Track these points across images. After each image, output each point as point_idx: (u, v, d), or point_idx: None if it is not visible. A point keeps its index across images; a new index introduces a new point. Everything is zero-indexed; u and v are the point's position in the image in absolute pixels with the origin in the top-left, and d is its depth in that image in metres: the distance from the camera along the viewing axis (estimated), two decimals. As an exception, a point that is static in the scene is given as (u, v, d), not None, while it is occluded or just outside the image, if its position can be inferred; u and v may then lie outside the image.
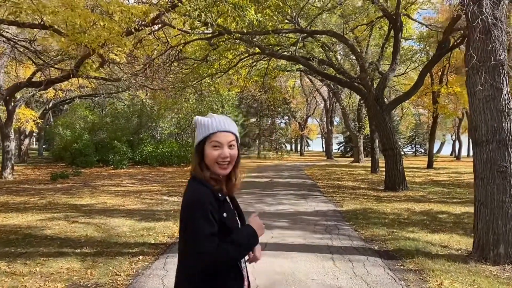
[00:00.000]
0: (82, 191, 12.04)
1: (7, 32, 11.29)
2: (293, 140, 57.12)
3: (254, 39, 12.53)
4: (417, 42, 18.83)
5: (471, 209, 8.15)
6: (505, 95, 5.08)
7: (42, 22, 7.82)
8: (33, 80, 13.90)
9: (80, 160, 21.52)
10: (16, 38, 11.32)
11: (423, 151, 51.43)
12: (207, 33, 11.47)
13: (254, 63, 16.38)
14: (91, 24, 7.18)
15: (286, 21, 13.14)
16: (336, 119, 46.55)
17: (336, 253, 5.47)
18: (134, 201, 10.20)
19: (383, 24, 16.02)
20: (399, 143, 15.73)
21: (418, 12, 18.06)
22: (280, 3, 10.16)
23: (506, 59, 5.11)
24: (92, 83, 16.14)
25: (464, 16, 9.39)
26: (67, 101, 30.20)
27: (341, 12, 14.63)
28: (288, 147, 50.39)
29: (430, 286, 4.30)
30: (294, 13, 12.74)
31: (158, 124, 26.16)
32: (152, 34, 10.72)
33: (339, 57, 20.27)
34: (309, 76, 27.88)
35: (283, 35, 13.70)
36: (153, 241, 6.15)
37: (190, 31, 10.54)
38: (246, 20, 8.77)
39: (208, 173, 1.74)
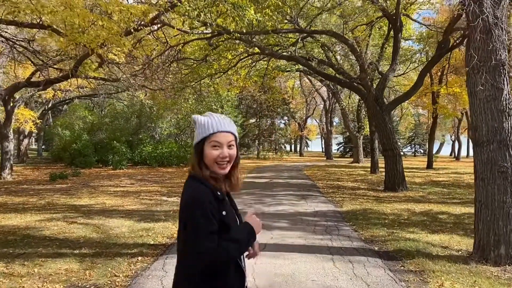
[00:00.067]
0: (81, 192, 12.00)
1: (6, 32, 11.26)
2: (292, 140, 57.11)
3: (254, 39, 12.50)
4: (416, 43, 18.81)
5: (471, 210, 8.13)
6: (506, 95, 5.06)
7: (40, 22, 7.80)
8: (32, 80, 13.88)
9: (79, 161, 21.48)
10: (15, 38, 11.28)
11: (422, 151, 51.42)
12: (207, 33, 11.44)
13: (254, 64, 16.35)
14: (90, 23, 7.16)
15: (286, 21, 13.12)
16: (336, 120, 46.54)
17: (336, 254, 5.44)
18: (133, 202, 10.17)
19: (383, 24, 16.00)
20: (399, 143, 15.68)
21: (418, 13, 18.02)
22: (280, 3, 10.13)
23: (507, 59, 5.09)
24: (91, 83, 16.12)
25: (464, 16, 9.37)
26: (66, 101, 30.17)
27: (340, 12, 14.60)
28: (288, 148, 50.39)
29: (431, 287, 4.27)
30: (293, 13, 12.72)
31: (157, 124, 26.14)
32: (151, 34, 10.70)
33: (338, 57, 20.25)
34: (309, 76, 27.87)
35: (283, 35, 13.67)
36: (152, 242, 6.12)
37: (189, 31, 10.52)
38: (245, 20, 8.75)
39: (208, 172, 1.74)
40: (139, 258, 5.26)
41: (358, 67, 15.42)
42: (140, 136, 25.00)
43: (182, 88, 15.68)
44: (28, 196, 11.04)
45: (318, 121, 52.55)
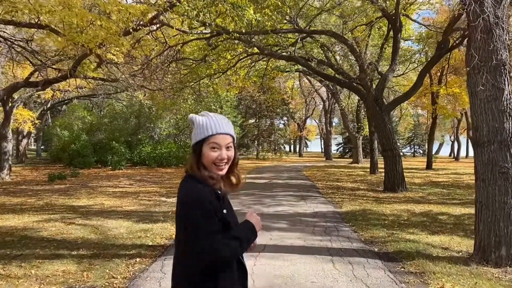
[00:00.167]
0: (79, 192, 11.96)
1: (4, 32, 11.22)
2: (291, 141, 57.14)
3: (253, 39, 12.47)
4: (416, 43, 18.78)
5: (471, 210, 8.11)
6: (507, 95, 5.03)
7: (38, 22, 7.75)
8: (30, 80, 13.84)
9: (78, 161, 21.44)
10: (13, 38, 11.24)
11: (421, 152, 51.45)
12: (206, 33, 11.41)
13: (253, 64, 16.31)
14: (88, 23, 7.12)
15: (285, 21, 13.09)
16: (335, 120, 46.54)
17: (336, 255, 5.41)
18: (131, 202, 10.13)
19: (382, 24, 15.97)
20: (398, 144, 15.65)
21: (417, 13, 18.00)
22: (279, 3, 10.10)
23: (508, 58, 5.06)
24: (90, 84, 16.08)
25: (464, 16, 9.35)
26: (65, 101, 30.12)
27: (340, 12, 14.59)
28: (287, 148, 50.42)
29: (432, 289, 4.24)
30: (293, 13, 12.69)
31: (156, 125, 26.09)
32: (150, 34, 10.65)
33: (338, 57, 20.22)
34: (308, 76, 27.84)
35: (282, 35, 13.64)
36: (150, 243, 6.07)
37: (188, 31, 10.48)
38: (244, 20, 8.72)
39: (206, 173, 1.75)
40: (137, 259, 5.22)
41: (358, 67, 15.39)
42: (139, 136, 24.95)
43: (181, 88, 15.64)
44: (27, 197, 10.99)
45: (317, 121, 52.55)
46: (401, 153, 24.65)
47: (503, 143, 4.98)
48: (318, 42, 14.97)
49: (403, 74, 20.51)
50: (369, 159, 21.62)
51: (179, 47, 12.29)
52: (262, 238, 5.95)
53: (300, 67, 17.01)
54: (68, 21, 6.87)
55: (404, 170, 13.26)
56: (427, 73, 16.29)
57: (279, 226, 7.30)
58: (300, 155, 48.17)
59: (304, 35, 13.95)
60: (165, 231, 6.79)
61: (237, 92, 25.30)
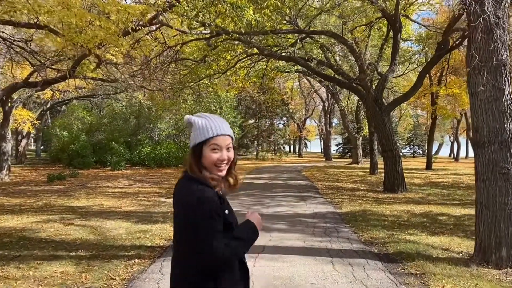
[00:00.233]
0: (78, 193, 11.93)
1: (3, 32, 11.20)
2: (291, 141, 57.14)
3: (253, 40, 12.44)
4: (415, 43, 18.78)
5: (471, 211, 8.09)
6: (507, 95, 5.01)
7: (37, 22, 7.73)
8: (29, 80, 13.80)
9: (78, 161, 21.41)
10: (12, 38, 11.22)
11: (421, 152, 51.45)
12: (205, 34, 11.39)
13: (253, 64, 16.30)
14: (87, 23, 7.10)
15: (285, 21, 13.07)
16: (335, 121, 46.55)
17: (336, 256, 5.38)
18: (131, 203, 10.10)
19: (382, 25, 15.96)
20: (398, 144, 15.66)
21: (417, 13, 18.03)
22: (279, 3, 10.09)
23: (508, 59, 5.04)
24: (89, 84, 16.06)
25: (463, 16, 9.33)
26: (65, 102, 30.10)
27: (339, 12, 14.57)
28: (287, 149, 50.39)
29: (432, 291, 4.22)
30: (292, 14, 12.67)
31: (156, 125, 26.06)
32: (149, 34, 10.63)
33: (338, 58, 20.21)
34: (308, 77, 27.83)
35: (282, 36, 13.62)
36: (149, 244, 6.05)
37: (188, 31, 10.46)
38: (244, 20, 8.70)
39: (208, 173, 1.77)
40: (136, 260, 5.20)
41: (357, 67, 15.37)
42: (139, 137, 24.92)
43: (181, 88, 15.61)
44: (25, 197, 10.96)
45: (317, 121, 52.54)
46: (401, 154, 24.66)
47: (503, 143, 4.96)
48: (317, 43, 14.95)
49: (402, 74, 20.52)
50: (369, 160, 21.60)
51: (179, 48, 12.27)
52: (261, 239, 5.92)
53: (299, 67, 16.99)
54: (67, 21, 6.85)
55: (403, 171, 13.25)
56: (427, 74, 16.27)
57: (278, 227, 7.28)
58: (300, 155, 48.15)
59: (304, 35, 13.93)
60: (164, 232, 6.77)
61: (236, 92, 25.30)
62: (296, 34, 13.59)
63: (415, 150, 53.30)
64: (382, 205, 9.96)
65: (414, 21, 16.16)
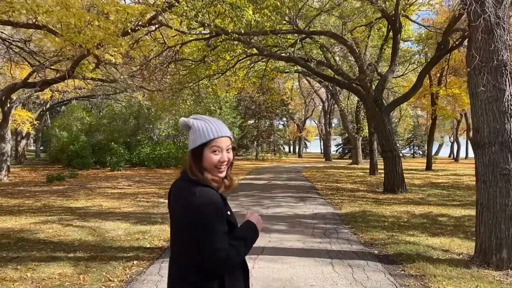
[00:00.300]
0: (78, 194, 11.89)
1: (2, 32, 11.17)
2: (291, 141, 57.10)
3: (252, 40, 12.42)
4: (415, 44, 18.76)
5: (471, 212, 8.06)
6: (508, 96, 4.98)
7: (36, 22, 7.70)
8: (28, 81, 13.77)
9: (77, 162, 21.38)
10: (11, 39, 11.19)
11: (421, 153, 51.44)
12: (205, 34, 11.36)
13: (252, 64, 16.27)
14: (86, 23, 7.07)
15: (284, 22, 13.04)
16: (335, 121, 46.52)
17: (335, 257, 5.35)
18: (130, 204, 10.07)
19: (382, 25, 15.94)
20: (398, 144, 15.65)
21: (417, 14, 18.02)
22: (278, 4, 10.06)
23: (509, 59, 5.01)
24: (88, 84, 16.03)
25: (463, 17, 9.31)
26: (64, 102, 30.08)
27: (339, 13, 14.54)
28: (286, 149, 50.33)
29: (432, 292, 4.19)
30: (292, 14, 12.64)
31: (155, 125, 26.04)
32: (149, 34, 10.61)
33: (337, 58, 20.18)
34: (308, 77, 27.80)
35: (281, 36, 13.60)
36: (148, 245, 6.02)
37: (187, 31, 10.43)
38: (243, 21, 8.68)
39: (209, 175, 1.78)
40: (135, 262, 5.16)
41: (357, 68, 15.35)
42: (138, 137, 24.90)
43: (180, 89, 15.58)
44: (24, 198, 10.93)
45: (317, 122, 52.54)
46: (401, 154, 24.64)
47: (504, 144, 4.94)
48: (317, 43, 14.93)
49: (402, 75, 20.49)
50: (369, 160, 21.58)
51: (178, 48, 12.24)
52: (260, 240, 5.88)
53: (299, 68, 16.97)
54: (66, 21, 6.83)
55: (403, 171, 13.22)
56: (427, 74, 16.25)
57: (278, 228, 7.25)
58: (300, 156, 48.14)
59: (304, 36, 13.91)
60: (163, 233, 6.73)
61: (236, 93, 25.28)
62: (295, 35, 13.57)
63: (415, 150, 53.30)
64: (382, 206, 9.93)
65: (414, 22, 16.14)
